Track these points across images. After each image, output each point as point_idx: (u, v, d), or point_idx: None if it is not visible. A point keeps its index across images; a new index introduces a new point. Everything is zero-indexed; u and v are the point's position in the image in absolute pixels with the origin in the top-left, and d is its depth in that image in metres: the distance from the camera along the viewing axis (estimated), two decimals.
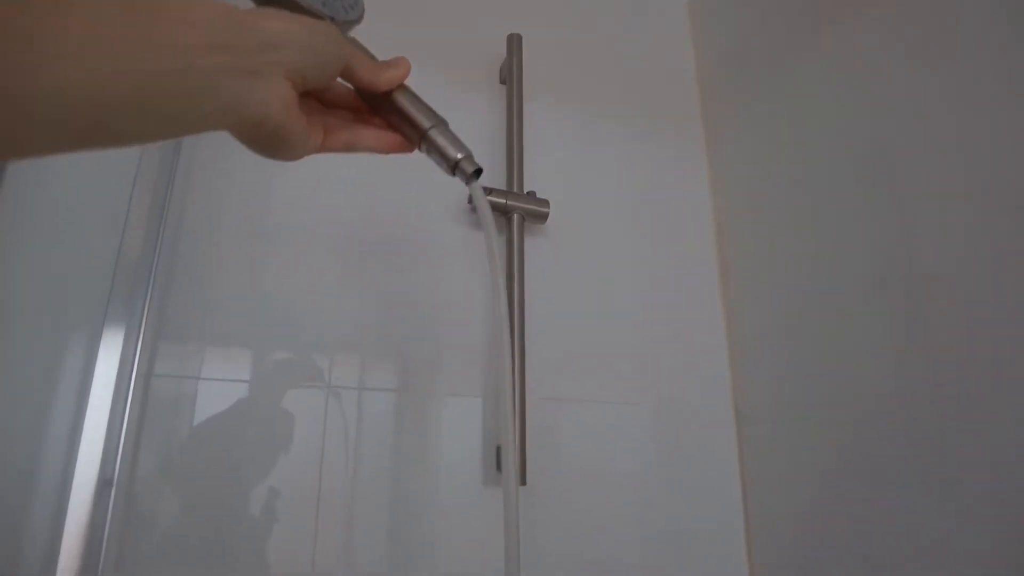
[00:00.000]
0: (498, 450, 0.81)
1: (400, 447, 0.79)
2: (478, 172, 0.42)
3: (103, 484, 0.66)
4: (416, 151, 0.43)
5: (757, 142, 0.98)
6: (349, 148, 0.41)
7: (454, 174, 0.42)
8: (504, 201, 0.85)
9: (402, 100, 0.41)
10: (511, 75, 0.94)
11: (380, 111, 0.42)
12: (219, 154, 0.80)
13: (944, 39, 0.71)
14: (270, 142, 0.34)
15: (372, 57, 0.41)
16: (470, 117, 0.95)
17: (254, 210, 0.81)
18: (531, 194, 0.89)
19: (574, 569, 0.81)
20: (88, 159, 0.72)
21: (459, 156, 0.41)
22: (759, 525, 0.89)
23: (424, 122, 0.41)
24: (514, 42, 0.96)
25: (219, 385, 0.75)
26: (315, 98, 0.41)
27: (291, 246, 0.81)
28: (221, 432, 0.74)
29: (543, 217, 0.88)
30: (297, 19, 0.33)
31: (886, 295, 0.74)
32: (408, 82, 0.42)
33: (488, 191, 0.85)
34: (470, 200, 0.85)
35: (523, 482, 0.76)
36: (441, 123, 0.42)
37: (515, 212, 0.86)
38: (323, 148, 0.39)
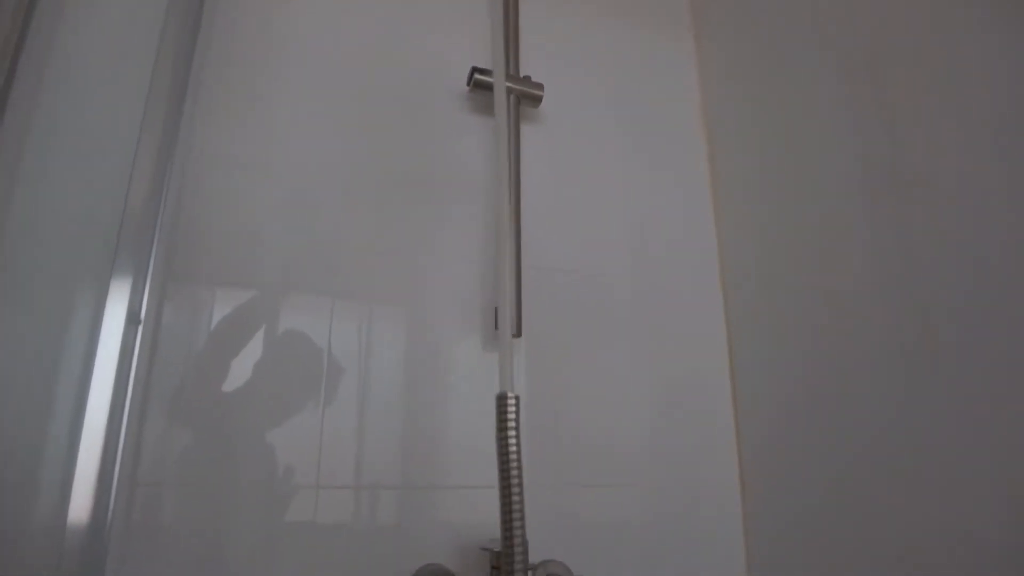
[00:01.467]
0: (496, 311, 0.86)
1: (402, 313, 0.84)
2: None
3: (111, 437, 0.62)
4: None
5: (745, 41, 1.02)
6: None
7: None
8: None
9: None
10: None
11: None
12: (222, 100, 0.82)
13: None
14: None
15: None
16: (466, 3, 0.99)
17: (258, 145, 0.83)
18: (526, 78, 0.93)
19: (566, 408, 0.87)
20: (93, 100, 0.73)
21: None
22: (753, 472, 0.90)
23: None
24: None
25: (230, 304, 0.76)
26: None
27: (294, 175, 0.83)
28: (228, 360, 0.74)
29: (537, 100, 0.93)
30: None
31: (868, 193, 0.75)
32: None
33: (483, 71, 0.89)
34: (469, 81, 0.90)
35: (518, 334, 0.81)
36: None
37: (511, 93, 0.91)
38: None
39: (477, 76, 0.89)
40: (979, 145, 0.65)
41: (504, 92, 0.37)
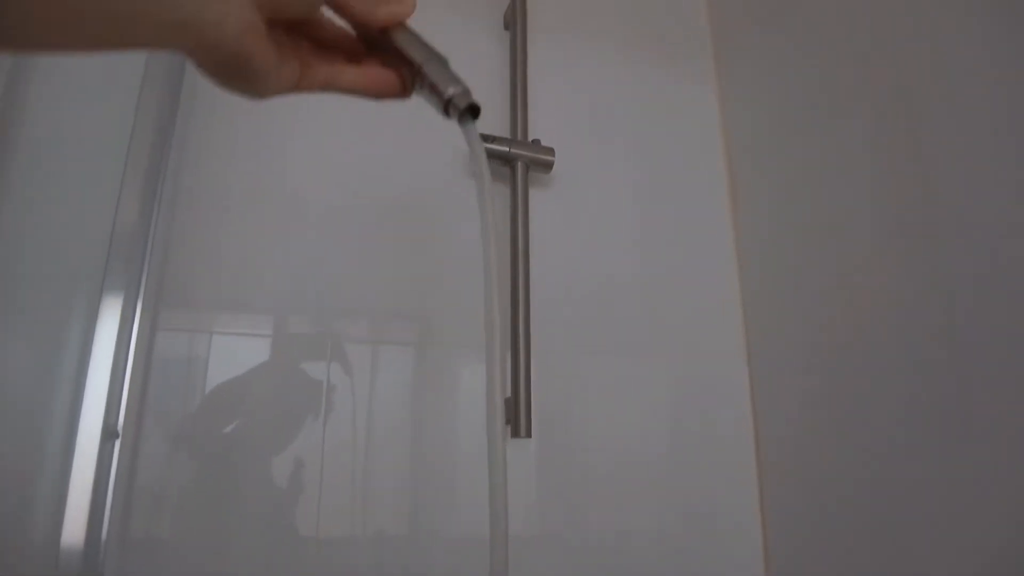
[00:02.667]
0: (505, 403, 0.80)
1: (413, 402, 0.78)
2: (474, 110, 0.37)
3: (108, 435, 0.66)
4: (414, 96, 0.39)
5: (771, 88, 0.94)
6: (329, 86, 0.36)
7: (447, 113, 0.37)
8: (507, 149, 0.83)
9: (399, 38, 0.36)
10: (515, 19, 0.91)
11: (377, 53, 0.38)
12: (217, 114, 0.78)
13: None
14: (228, 71, 0.30)
15: None
16: (472, 63, 0.90)
17: (253, 169, 0.79)
18: (536, 142, 0.86)
19: (582, 520, 0.80)
20: (82, 121, 0.72)
21: (452, 91, 0.35)
22: (772, 474, 0.87)
23: (418, 56, 0.36)
24: None
25: (225, 343, 0.74)
26: (303, 34, 0.37)
27: (293, 204, 0.80)
28: (228, 392, 0.73)
29: (548, 166, 0.86)
30: None
31: (900, 235, 0.71)
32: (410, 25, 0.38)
33: (491, 139, 0.82)
34: None
35: (528, 434, 0.75)
36: (437, 58, 0.36)
37: (519, 160, 0.84)
38: (300, 86, 0.35)
39: (484, 144, 0.82)
40: (1015, 189, 0.60)
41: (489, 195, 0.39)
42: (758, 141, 0.96)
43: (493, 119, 0.90)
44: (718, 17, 1.07)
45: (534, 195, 0.87)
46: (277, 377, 0.75)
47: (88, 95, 0.74)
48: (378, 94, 0.37)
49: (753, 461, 0.89)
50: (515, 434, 0.75)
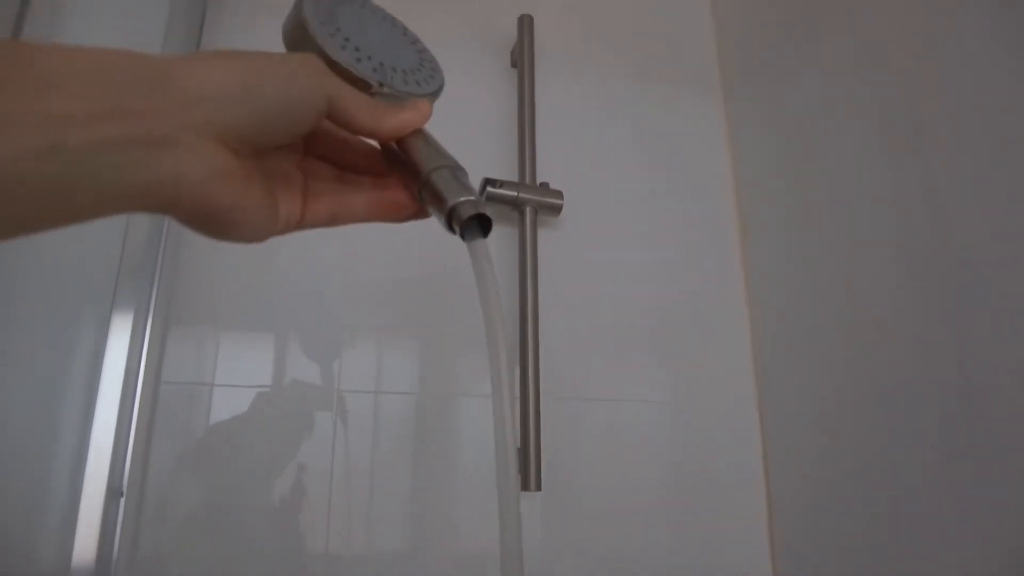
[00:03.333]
0: (518, 453, 0.78)
1: (418, 451, 0.77)
2: (483, 224, 0.30)
3: (113, 493, 0.65)
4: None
5: (779, 122, 0.93)
6: (334, 220, 0.32)
7: (451, 228, 0.30)
8: (516, 194, 0.82)
9: (412, 147, 0.31)
10: (522, 58, 0.90)
11: (393, 167, 0.33)
12: None
13: (980, 13, 0.65)
14: (199, 223, 0.26)
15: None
16: (479, 104, 0.91)
17: None
18: (544, 185, 0.85)
19: (594, 572, 0.79)
20: None
21: (455, 200, 0.29)
22: (783, 528, 0.86)
23: (427, 164, 0.30)
24: (525, 24, 0.91)
25: (230, 386, 0.74)
26: (310, 153, 0.32)
27: (301, 236, 0.79)
28: (231, 433, 0.73)
29: (557, 209, 0.85)
30: (241, 57, 0.25)
31: (916, 278, 0.70)
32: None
33: (499, 183, 0.81)
34: (481, 192, 0.82)
35: (538, 487, 0.74)
36: (450, 166, 0.31)
37: (527, 205, 0.82)
38: (303, 223, 0.31)
39: (490, 189, 0.81)
40: None
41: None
42: (767, 177, 0.95)
43: (501, 161, 0.89)
44: (725, 53, 1.06)
45: (542, 236, 0.86)
46: (284, 401, 0.75)
47: None
48: (393, 218, 0.33)
49: (764, 511, 0.87)
50: (524, 487, 0.73)
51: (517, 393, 0.76)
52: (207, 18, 0.83)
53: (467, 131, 0.89)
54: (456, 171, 0.31)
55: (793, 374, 0.87)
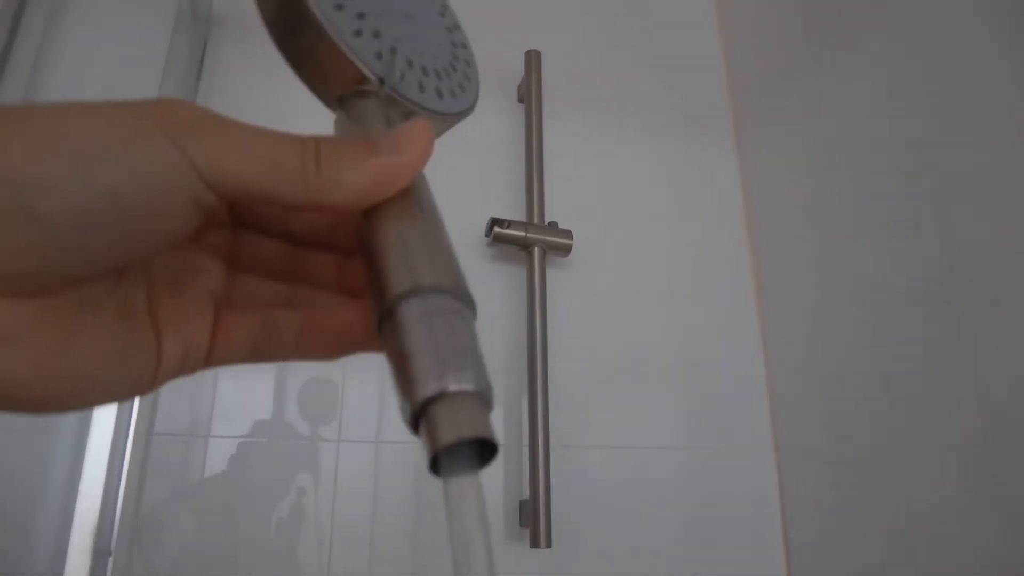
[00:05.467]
0: (522, 505, 0.75)
1: (418, 502, 0.73)
2: (482, 459, 0.17)
3: (100, 553, 0.62)
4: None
5: (793, 160, 0.91)
6: (259, 354, 0.20)
7: (416, 430, 0.16)
8: (524, 234, 0.79)
9: (381, 230, 0.18)
10: (529, 94, 0.88)
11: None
12: None
13: (993, 44, 0.64)
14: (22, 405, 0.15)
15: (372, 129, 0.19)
16: (486, 140, 0.89)
17: None
18: (553, 225, 0.82)
19: None
20: None
21: (427, 392, 0.16)
22: (801, 574, 0.82)
23: (397, 280, 0.17)
24: (532, 59, 0.89)
25: (225, 437, 0.70)
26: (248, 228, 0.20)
27: None
28: (223, 480, 0.70)
29: (566, 250, 0.82)
30: (65, 130, 0.14)
31: (931, 314, 0.67)
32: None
33: (506, 223, 0.79)
34: (488, 233, 0.80)
35: (548, 544, 0.70)
36: (448, 290, 0.18)
37: (536, 246, 0.80)
38: (211, 361, 0.19)
39: (497, 230, 0.78)
40: None
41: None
42: (780, 215, 0.93)
43: (508, 199, 0.87)
44: (736, 89, 1.04)
45: (551, 276, 0.84)
46: (278, 451, 0.72)
47: None
48: (327, 355, 0.20)
49: (783, 558, 0.84)
50: (534, 544, 0.70)
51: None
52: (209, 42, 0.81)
53: (473, 168, 0.87)
54: (453, 302, 0.17)
55: (810, 416, 0.84)
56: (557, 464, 0.75)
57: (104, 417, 0.64)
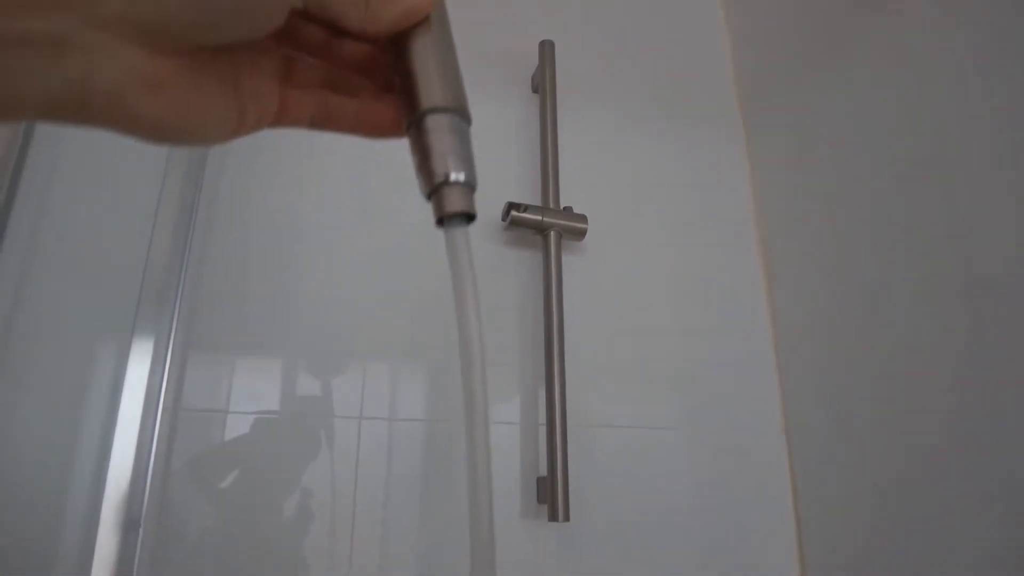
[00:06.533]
0: (539, 481, 0.77)
1: (433, 479, 0.75)
2: (468, 219, 0.25)
3: (131, 521, 0.64)
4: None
5: (800, 146, 0.93)
6: (316, 124, 0.27)
7: (429, 199, 0.25)
8: (540, 218, 0.81)
9: (414, 53, 0.25)
10: (544, 83, 0.90)
11: (396, 75, 0.26)
12: (247, 161, 0.78)
13: (1000, 37, 0.66)
14: (142, 135, 0.21)
15: None
16: (501, 128, 0.91)
17: (282, 219, 0.79)
18: (568, 209, 0.84)
19: None
20: (113, 167, 0.72)
21: (444, 177, 0.24)
22: (813, 553, 0.84)
23: (426, 97, 0.24)
24: (546, 49, 0.91)
25: (248, 405, 0.72)
26: (295, 46, 0.26)
27: (320, 257, 0.78)
28: (249, 455, 0.71)
29: (581, 234, 0.84)
30: None
31: (940, 302, 0.69)
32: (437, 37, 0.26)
33: (523, 207, 0.81)
34: (505, 217, 0.81)
35: (566, 518, 0.72)
36: (451, 109, 0.25)
37: (551, 229, 0.82)
38: (279, 123, 0.26)
39: (514, 214, 0.80)
40: None
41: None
42: (789, 203, 0.95)
43: (523, 186, 0.88)
44: (744, 81, 1.06)
45: (565, 261, 0.86)
46: (301, 427, 0.73)
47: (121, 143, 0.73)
48: (380, 133, 0.27)
49: (794, 536, 0.85)
50: (552, 518, 0.71)
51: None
52: None
53: (489, 156, 0.87)
54: (459, 120, 0.25)
55: (819, 398, 0.85)
56: (572, 442, 0.77)
57: (133, 390, 0.66)
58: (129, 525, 0.64)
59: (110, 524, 0.63)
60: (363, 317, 0.78)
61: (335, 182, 0.82)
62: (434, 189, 0.24)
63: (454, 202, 0.24)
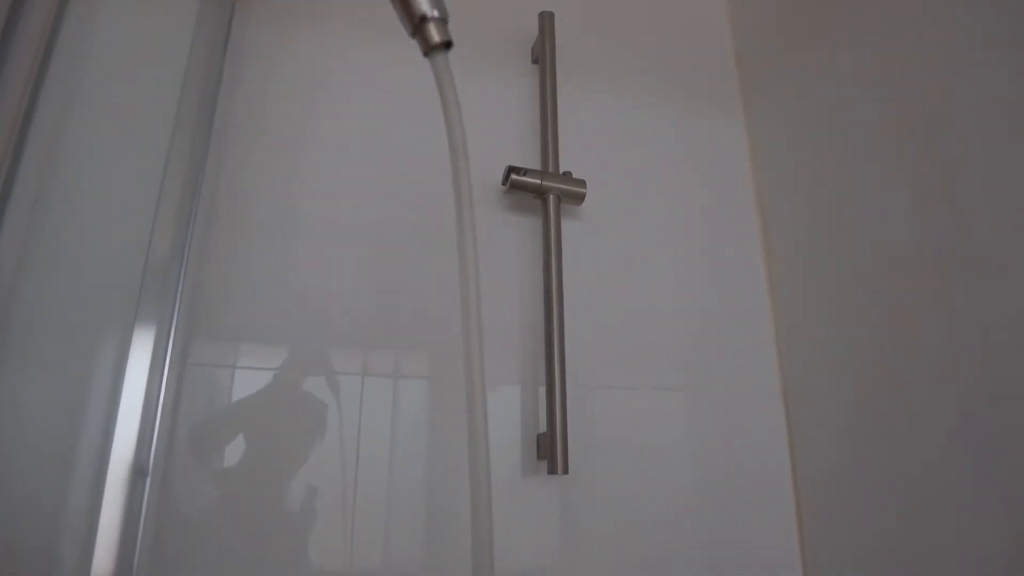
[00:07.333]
0: (539, 438, 0.78)
1: (436, 438, 0.76)
2: (447, 45, 0.32)
3: (137, 473, 0.65)
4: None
5: (798, 115, 0.94)
6: None
7: (413, 36, 0.33)
8: (539, 182, 0.83)
9: None
10: (543, 54, 0.92)
11: None
12: (247, 147, 0.79)
13: (1002, 5, 0.67)
14: None
15: None
16: (501, 99, 0.92)
17: (283, 200, 0.80)
18: (567, 174, 0.86)
19: (619, 557, 0.78)
20: (115, 152, 0.73)
21: (428, 14, 0.31)
22: (811, 511, 0.85)
23: None
24: (546, 20, 0.93)
25: (252, 375, 0.73)
26: None
27: (320, 234, 0.79)
28: (254, 424, 0.72)
29: (580, 198, 0.85)
30: None
31: (936, 273, 0.70)
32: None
33: (523, 171, 0.82)
34: (505, 181, 0.83)
35: (565, 470, 0.73)
36: None
37: (551, 193, 0.83)
38: None
39: (514, 177, 0.82)
40: None
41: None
42: (787, 172, 0.96)
43: (523, 152, 0.90)
44: (743, 52, 1.08)
45: (564, 227, 0.87)
46: (303, 407, 0.74)
47: (122, 125, 0.75)
48: None
49: (792, 502, 0.86)
50: (551, 471, 0.73)
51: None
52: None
53: (489, 124, 0.90)
54: None
55: (816, 360, 0.86)
56: (571, 403, 0.78)
57: (142, 341, 0.67)
58: (137, 472, 0.66)
59: (118, 472, 0.65)
60: (362, 293, 0.79)
61: (334, 172, 0.82)
62: (416, 27, 0.31)
63: (435, 35, 0.31)
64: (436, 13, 0.31)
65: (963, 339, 0.67)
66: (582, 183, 0.85)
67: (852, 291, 0.81)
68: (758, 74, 1.04)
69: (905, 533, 0.71)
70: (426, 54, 0.31)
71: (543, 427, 0.78)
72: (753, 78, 1.05)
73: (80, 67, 0.73)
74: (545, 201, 0.84)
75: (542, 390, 0.79)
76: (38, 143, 0.70)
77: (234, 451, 0.71)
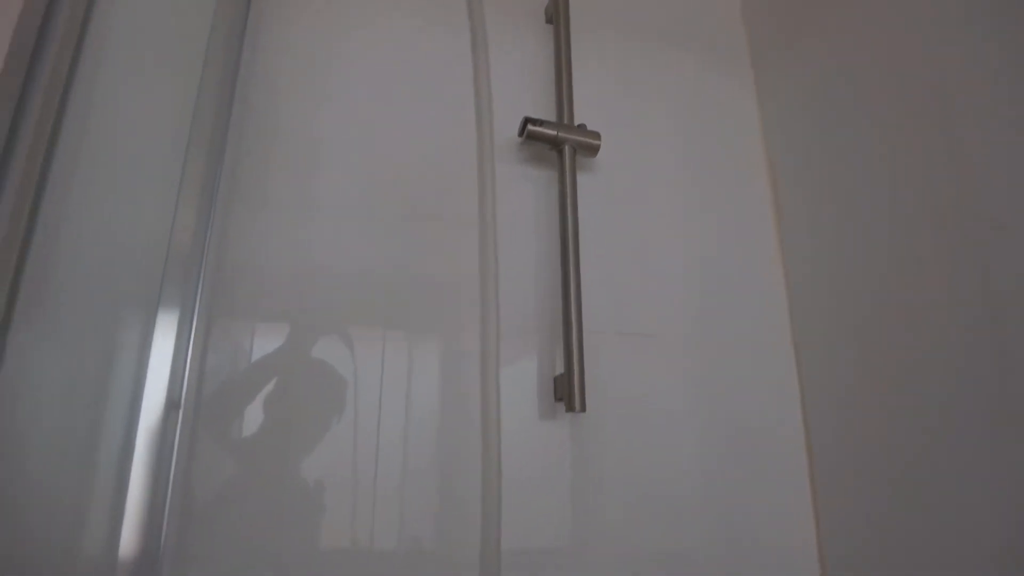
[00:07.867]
0: (555, 380, 0.80)
1: (455, 386, 0.78)
2: None
3: (172, 404, 0.67)
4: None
5: (807, 73, 0.95)
6: None
7: None
8: (555, 133, 0.84)
9: None
10: (557, 15, 0.94)
11: None
12: (265, 127, 0.80)
13: None
14: None
15: None
16: (516, 58, 0.94)
17: (303, 174, 0.81)
18: (581, 127, 0.87)
19: (630, 491, 0.80)
20: (137, 136, 0.74)
21: None
22: (822, 456, 0.86)
23: None
24: None
25: (272, 347, 0.74)
26: None
27: (339, 201, 0.81)
28: (275, 397, 0.73)
29: (595, 150, 0.87)
30: None
31: (943, 238, 0.71)
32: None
33: (539, 122, 0.84)
34: (521, 132, 0.85)
35: (583, 408, 0.75)
36: None
37: (567, 143, 0.85)
38: None
39: (530, 128, 0.84)
40: None
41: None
42: (795, 129, 0.97)
43: (538, 107, 0.92)
44: (752, 9, 1.09)
45: (580, 180, 0.89)
46: (325, 381, 0.75)
47: (146, 107, 0.75)
48: None
49: (804, 454, 0.88)
50: (569, 408, 0.75)
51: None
52: None
53: (504, 83, 0.92)
54: None
55: (825, 307, 0.88)
56: (586, 348, 0.80)
57: (167, 318, 0.69)
58: (170, 405, 0.68)
59: (153, 403, 0.67)
60: (381, 242, 0.81)
61: (346, 158, 0.83)
62: None
63: None
64: None
65: (974, 301, 0.68)
66: (597, 135, 0.87)
67: (860, 243, 0.83)
68: (768, 33, 1.06)
69: (915, 477, 0.73)
70: None
71: (560, 371, 0.80)
72: (763, 37, 1.07)
73: (107, 51, 0.72)
74: (561, 152, 0.86)
75: (559, 337, 0.81)
76: (71, 127, 0.69)
77: (253, 423, 0.72)
